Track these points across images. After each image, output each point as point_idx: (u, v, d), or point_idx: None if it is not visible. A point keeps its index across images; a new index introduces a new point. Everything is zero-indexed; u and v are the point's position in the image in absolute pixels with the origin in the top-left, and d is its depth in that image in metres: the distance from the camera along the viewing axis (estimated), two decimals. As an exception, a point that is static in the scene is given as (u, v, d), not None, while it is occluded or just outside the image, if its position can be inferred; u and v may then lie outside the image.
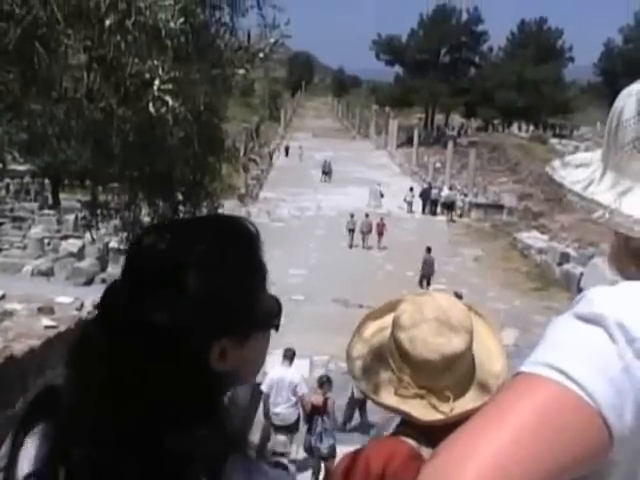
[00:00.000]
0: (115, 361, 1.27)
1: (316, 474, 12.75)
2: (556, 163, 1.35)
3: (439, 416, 2.07)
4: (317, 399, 12.75)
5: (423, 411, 2.08)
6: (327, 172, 61.36)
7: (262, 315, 1.38)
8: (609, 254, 1.32)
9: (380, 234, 37.01)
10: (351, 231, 37.14)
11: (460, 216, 46.75)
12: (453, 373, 2.11)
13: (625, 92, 1.23)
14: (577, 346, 1.02)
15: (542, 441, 0.95)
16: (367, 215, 38.79)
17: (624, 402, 0.98)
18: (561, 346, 1.03)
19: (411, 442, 2.12)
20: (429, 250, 29.39)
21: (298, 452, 13.30)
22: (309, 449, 12.86)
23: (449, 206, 46.95)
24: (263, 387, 13.39)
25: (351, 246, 37.12)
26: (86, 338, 1.34)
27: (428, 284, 28.37)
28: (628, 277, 1.18)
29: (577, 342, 1.02)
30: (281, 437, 12.72)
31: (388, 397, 2.14)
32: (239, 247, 1.38)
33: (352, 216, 37.68)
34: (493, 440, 0.95)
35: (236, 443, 1.32)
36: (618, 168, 1.21)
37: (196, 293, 1.28)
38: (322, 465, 12.51)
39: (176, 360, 1.27)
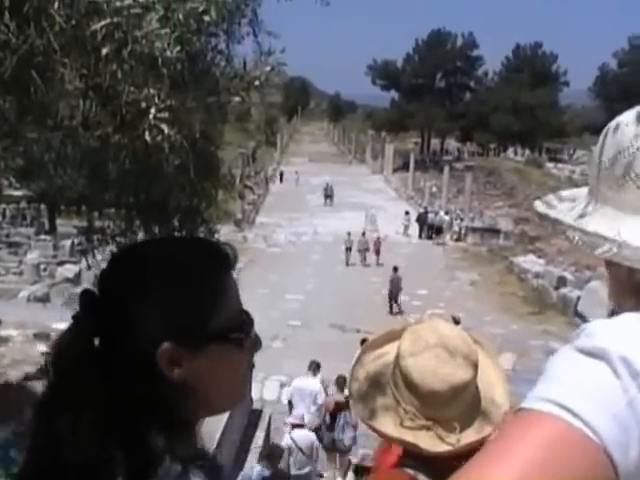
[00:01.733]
0: (82, 363, 1.34)
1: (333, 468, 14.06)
2: (550, 199, 1.34)
3: (446, 447, 2.05)
4: (339, 397, 13.63)
5: (430, 442, 2.06)
6: (329, 195, 62.10)
7: (219, 328, 1.40)
8: (609, 288, 1.29)
9: (377, 252, 38.20)
10: (348, 249, 38.16)
11: (457, 240, 46.80)
12: (459, 403, 2.10)
13: (614, 124, 1.21)
14: (580, 381, 1.00)
15: (548, 477, 0.94)
16: (364, 234, 40.04)
17: (629, 438, 0.97)
18: (564, 381, 1.01)
19: (413, 473, 2.11)
20: (396, 269, 29.95)
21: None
22: (330, 444, 13.94)
23: (438, 229, 47.22)
24: (286, 395, 14.91)
25: (348, 264, 38.00)
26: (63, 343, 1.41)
27: (396, 302, 29.24)
28: (630, 311, 1.14)
29: (580, 377, 1.01)
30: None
31: (393, 428, 2.12)
32: (195, 263, 1.43)
33: (349, 234, 38.67)
34: (500, 474, 0.95)
35: (180, 453, 1.32)
36: (613, 201, 1.19)
37: (144, 299, 1.36)
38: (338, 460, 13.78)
39: (126, 361, 1.34)
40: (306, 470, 12.98)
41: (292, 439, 12.74)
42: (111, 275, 1.43)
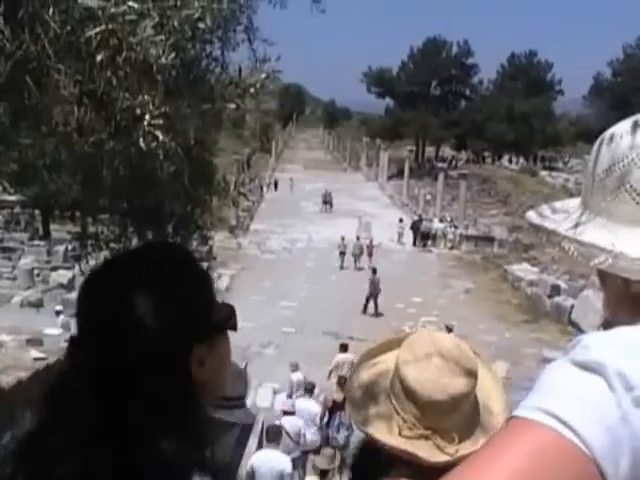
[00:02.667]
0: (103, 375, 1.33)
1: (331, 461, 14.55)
2: (543, 209, 1.34)
3: (445, 457, 2.03)
4: (338, 396, 14.22)
5: (429, 452, 2.04)
6: (328, 202, 62.84)
7: (218, 319, 1.47)
8: (604, 299, 1.28)
9: (370, 255, 39.28)
10: (342, 254, 39.16)
11: (452, 248, 46.82)
12: (459, 413, 2.09)
13: (608, 135, 1.21)
14: (574, 394, 1.00)
15: None
16: (358, 238, 41.14)
17: (620, 451, 0.96)
18: (558, 393, 1.01)
19: None
20: (374, 271, 31.13)
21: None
22: (326, 439, 14.62)
23: (425, 235, 47.43)
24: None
25: (342, 267, 38.81)
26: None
27: (375, 302, 29.99)
28: (627, 323, 1.13)
29: (574, 390, 1.00)
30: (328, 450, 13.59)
31: (390, 437, 2.12)
32: (187, 263, 1.50)
33: (343, 239, 39.65)
34: None
35: (200, 461, 1.35)
36: (607, 212, 1.18)
37: (166, 309, 1.37)
38: (337, 454, 13.95)
39: (163, 371, 1.34)
40: (294, 455, 13.48)
41: (281, 425, 13.23)
42: (111, 303, 1.39)
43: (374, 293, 30.06)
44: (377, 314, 29.77)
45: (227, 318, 1.49)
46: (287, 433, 13.44)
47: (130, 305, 1.36)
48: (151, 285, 1.39)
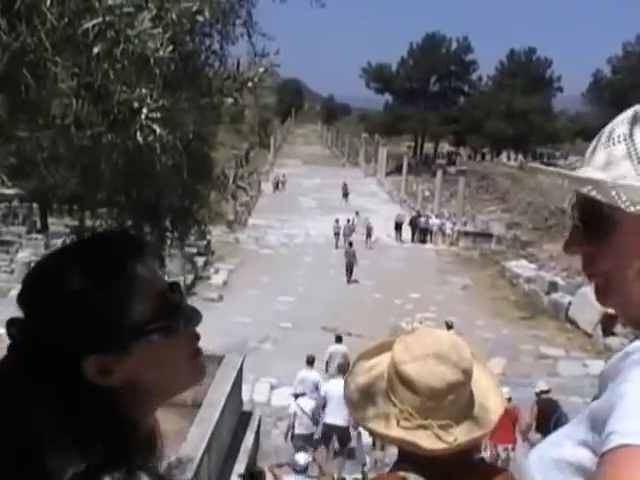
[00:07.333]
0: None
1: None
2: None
3: (443, 445, 2.07)
4: None
5: (428, 441, 2.08)
6: (345, 194, 65.75)
7: (136, 323, 1.32)
8: (628, 306, 1.22)
9: (369, 235, 44.15)
10: (337, 234, 43.54)
11: (451, 244, 46.84)
12: (455, 403, 2.12)
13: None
14: None
15: None
16: (348, 220, 44.78)
17: None
18: None
19: (404, 474, 2.11)
20: (350, 244, 35.98)
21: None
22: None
23: (424, 231, 48.15)
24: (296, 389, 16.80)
25: (337, 247, 42.20)
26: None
27: (351, 272, 34.33)
28: None
29: None
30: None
31: (391, 430, 2.14)
32: (91, 266, 1.34)
33: (337, 221, 43.80)
34: None
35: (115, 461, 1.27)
36: None
37: (56, 312, 1.30)
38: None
39: (50, 378, 1.29)
40: (311, 431, 15.33)
41: (299, 405, 15.30)
42: (22, 301, 1.37)
43: (349, 263, 34.12)
44: (350, 281, 33.97)
45: (146, 322, 1.33)
46: (305, 413, 15.11)
47: (35, 318, 1.34)
48: (50, 297, 1.33)
